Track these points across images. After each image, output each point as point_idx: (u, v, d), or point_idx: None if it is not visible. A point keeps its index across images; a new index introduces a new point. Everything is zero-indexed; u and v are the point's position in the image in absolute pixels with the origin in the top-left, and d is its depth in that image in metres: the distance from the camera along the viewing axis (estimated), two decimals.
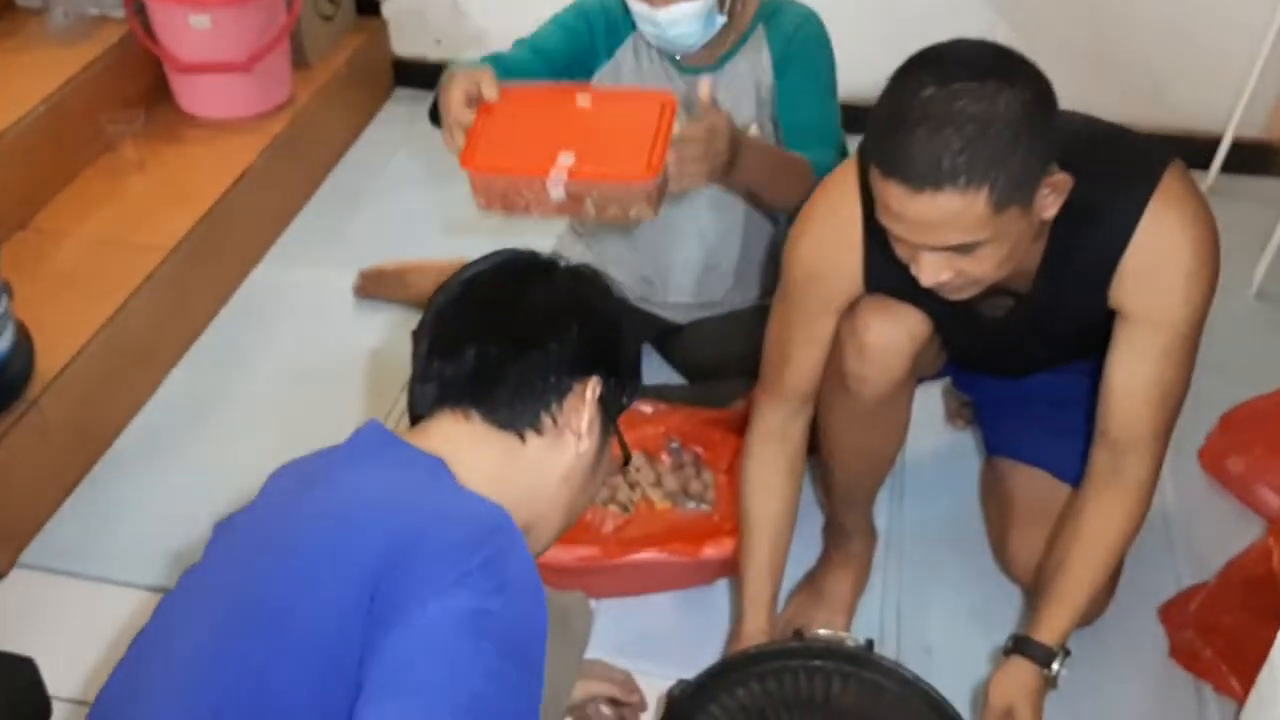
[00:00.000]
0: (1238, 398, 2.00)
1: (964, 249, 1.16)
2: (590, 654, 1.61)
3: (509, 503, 0.95)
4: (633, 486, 1.80)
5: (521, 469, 1.02)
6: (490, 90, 1.47)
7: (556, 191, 1.43)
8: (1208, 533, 1.82)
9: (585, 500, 1.11)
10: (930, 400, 2.04)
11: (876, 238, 1.26)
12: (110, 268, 2.10)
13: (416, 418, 1.07)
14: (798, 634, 1.41)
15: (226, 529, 1.03)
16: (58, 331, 1.93)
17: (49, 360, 1.88)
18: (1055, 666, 1.34)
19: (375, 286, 2.30)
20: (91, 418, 1.98)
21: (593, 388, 1.04)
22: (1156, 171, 1.26)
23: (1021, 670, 1.34)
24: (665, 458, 1.82)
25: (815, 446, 1.60)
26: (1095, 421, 1.38)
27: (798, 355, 1.46)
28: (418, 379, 1.06)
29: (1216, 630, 1.58)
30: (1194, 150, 2.67)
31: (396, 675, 0.83)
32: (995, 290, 1.30)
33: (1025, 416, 1.68)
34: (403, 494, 0.95)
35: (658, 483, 1.79)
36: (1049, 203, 1.19)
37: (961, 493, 1.89)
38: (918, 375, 1.55)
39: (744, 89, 1.77)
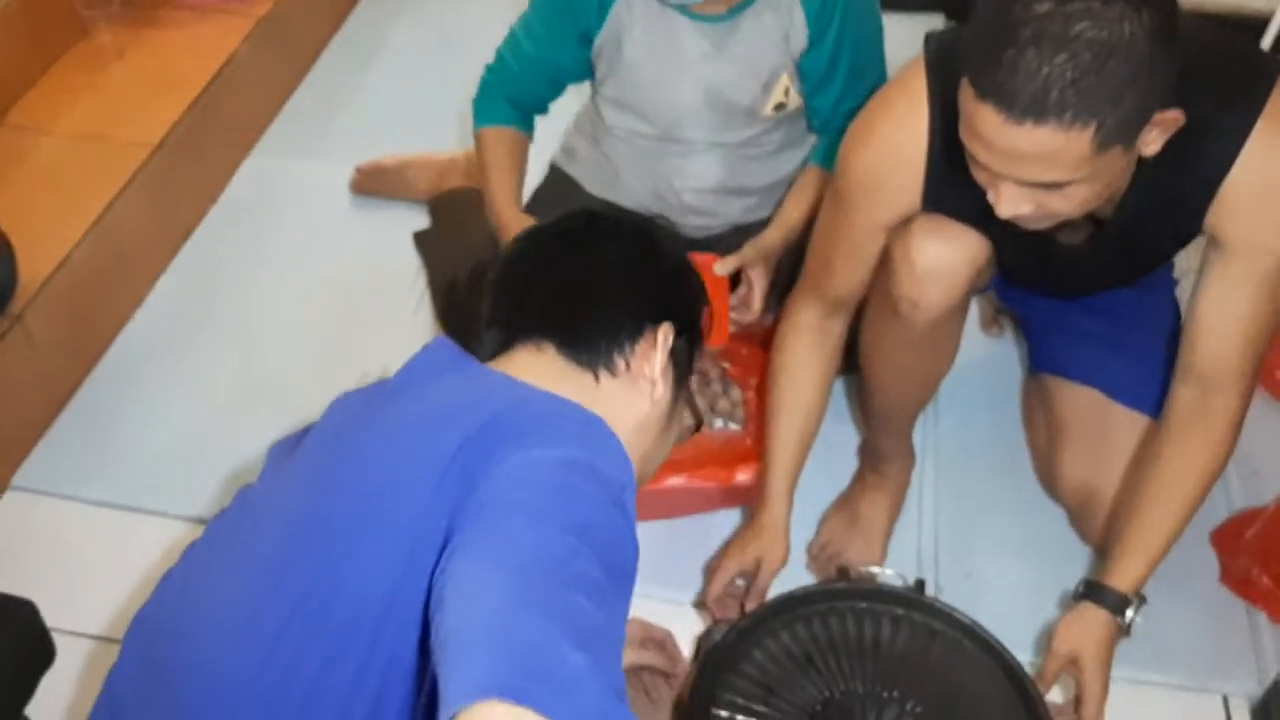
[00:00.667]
0: None
1: (1052, 186, 1.05)
2: None
3: None
4: None
5: (597, 410, 0.94)
6: None
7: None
8: (1262, 450, 1.74)
9: (658, 457, 1.06)
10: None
11: (943, 155, 1.14)
12: (93, 166, 1.96)
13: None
14: (843, 573, 1.33)
15: (286, 448, 0.98)
16: (40, 238, 1.79)
17: (31, 270, 1.75)
18: (1129, 614, 1.26)
19: (373, 183, 2.16)
20: (79, 330, 1.86)
21: (664, 334, 1.01)
22: (1264, 87, 1.13)
23: (1092, 617, 1.27)
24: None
25: (853, 364, 1.50)
26: (1179, 354, 1.28)
27: (842, 265, 1.36)
28: (485, 324, 1.03)
29: (1273, 556, 1.51)
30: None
31: (491, 513, 0.77)
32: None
33: (1075, 331, 1.57)
34: (487, 396, 0.89)
35: None
36: (1153, 139, 1.07)
37: (1001, 409, 1.80)
38: (973, 294, 1.45)
39: (769, 40, 1.61)
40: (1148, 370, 1.51)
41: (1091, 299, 1.55)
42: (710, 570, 1.44)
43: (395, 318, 1.91)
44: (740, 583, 1.41)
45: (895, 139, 1.24)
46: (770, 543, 1.39)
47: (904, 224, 1.30)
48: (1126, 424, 1.49)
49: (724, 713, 1.20)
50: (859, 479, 1.64)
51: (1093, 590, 1.28)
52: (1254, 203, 1.15)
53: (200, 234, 2.13)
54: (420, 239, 2.07)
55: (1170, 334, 1.58)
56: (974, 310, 1.94)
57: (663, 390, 1.01)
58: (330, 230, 2.14)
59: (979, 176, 1.10)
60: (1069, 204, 1.08)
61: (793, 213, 1.65)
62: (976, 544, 1.62)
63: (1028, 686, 1.22)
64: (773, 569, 1.39)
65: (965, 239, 1.29)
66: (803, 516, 1.61)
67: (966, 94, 1.03)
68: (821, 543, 1.60)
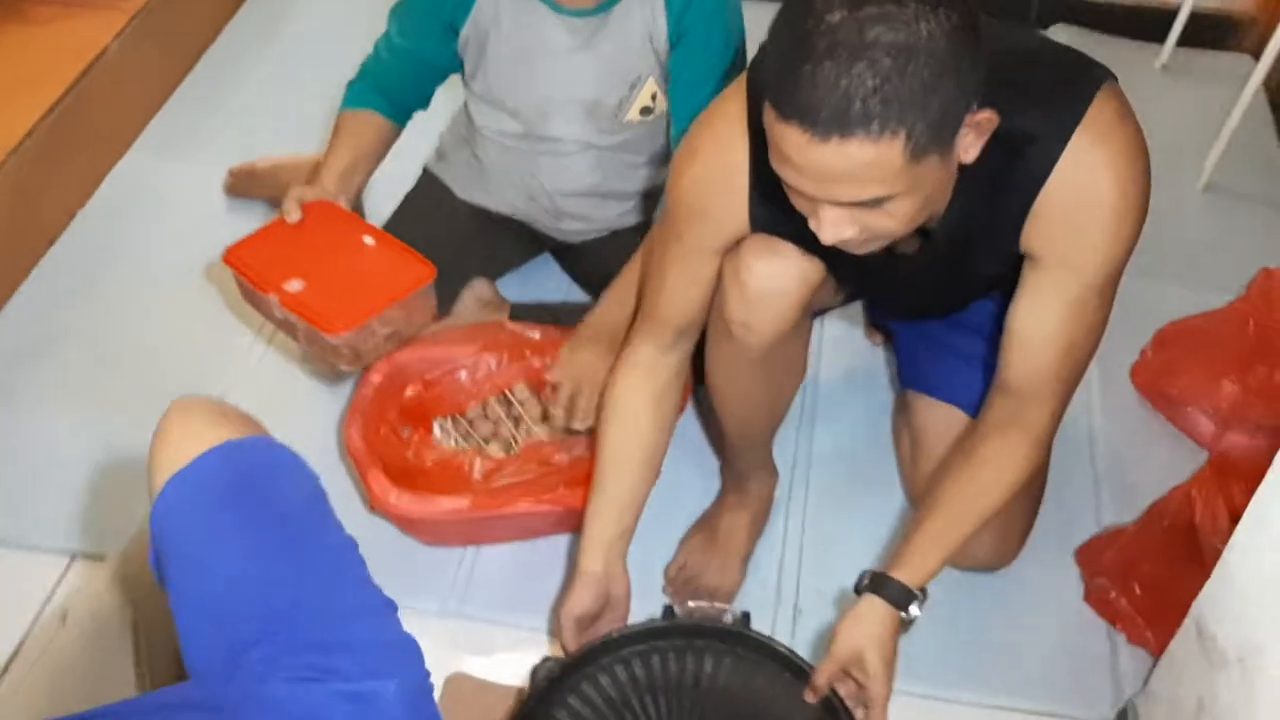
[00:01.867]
0: (1179, 302, 1.87)
1: (872, 204, 1.00)
2: (463, 608, 1.51)
3: None
4: (517, 423, 1.65)
5: None
6: (293, 214, 1.56)
7: (278, 310, 1.50)
8: (1136, 457, 1.71)
9: None
10: (848, 313, 1.89)
11: (765, 178, 1.08)
12: None
13: None
14: (668, 611, 1.28)
15: None
16: None
17: None
18: (913, 610, 1.19)
19: (247, 185, 2.09)
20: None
21: None
22: (1084, 97, 1.08)
23: (876, 612, 1.19)
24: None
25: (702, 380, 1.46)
26: (998, 365, 1.24)
27: (674, 290, 1.31)
28: None
29: (1133, 577, 1.48)
30: (1149, 23, 2.49)
31: None
32: None
33: (938, 346, 1.54)
34: None
35: (544, 418, 1.64)
36: (970, 144, 1.02)
37: (877, 420, 1.75)
38: (817, 311, 1.40)
39: (635, 41, 1.57)
40: None
41: (955, 315, 1.51)
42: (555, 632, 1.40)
43: (267, 324, 1.85)
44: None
45: (717, 161, 1.19)
46: (579, 591, 1.31)
47: (737, 245, 1.26)
48: None
49: None
50: (719, 499, 1.60)
51: (878, 583, 1.20)
52: (1064, 221, 1.11)
53: (66, 240, 2.05)
54: None
55: None
56: (856, 319, 1.90)
57: None
58: (204, 233, 2.05)
59: (798, 204, 1.06)
60: (893, 221, 1.03)
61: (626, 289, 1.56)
62: (841, 562, 1.57)
63: (839, 711, 1.18)
64: (582, 616, 1.30)
65: (797, 260, 1.24)
66: (669, 542, 1.58)
67: (769, 117, 0.98)
68: (679, 564, 1.55)
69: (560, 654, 1.29)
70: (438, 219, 1.82)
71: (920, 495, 1.53)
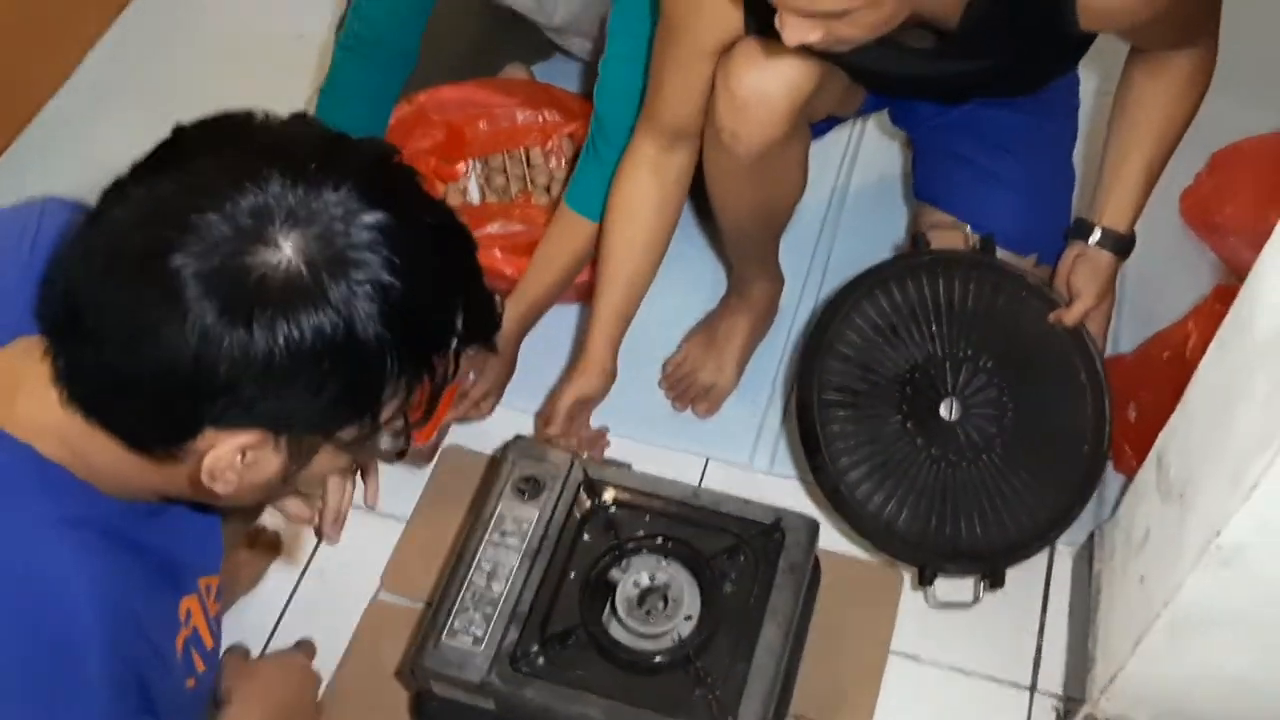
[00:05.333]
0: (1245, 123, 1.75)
1: (834, 15, 0.99)
2: None
3: None
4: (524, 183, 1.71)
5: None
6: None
7: None
8: (1166, 286, 1.65)
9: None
10: (885, 123, 1.83)
11: None
12: None
13: None
14: (915, 241, 1.43)
15: None
16: None
17: None
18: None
19: None
20: (1, 99, 1.89)
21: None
22: None
23: (1105, 259, 1.32)
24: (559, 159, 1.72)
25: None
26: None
27: (672, 91, 1.30)
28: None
29: (1127, 406, 1.46)
30: None
31: None
32: (912, 24, 1.10)
33: (954, 158, 1.49)
34: None
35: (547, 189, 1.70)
36: None
37: (901, 233, 1.73)
38: (829, 119, 1.39)
39: None
40: (1021, 205, 1.45)
41: (976, 126, 1.47)
42: (542, 419, 1.46)
43: None
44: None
45: None
46: (583, 383, 1.40)
47: (729, 50, 1.23)
48: None
49: (833, 395, 1.34)
50: (723, 300, 1.62)
51: (1086, 229, 1.33)
52: None
53: (135, 7, 2.11)
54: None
55: (1058, 168, 1.50)
56: (887, 129, 1.84)
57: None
58: (262, 7, 2.10)
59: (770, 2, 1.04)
60: (858, 30, 1.02)
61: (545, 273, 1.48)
62: None
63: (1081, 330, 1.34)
64: (582, 404, 1.42)
65: (786, 66, 1.21)
66: (675, 337, 1.62)
67: None
68: (677, 360, 1.60)
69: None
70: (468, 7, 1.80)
71: None
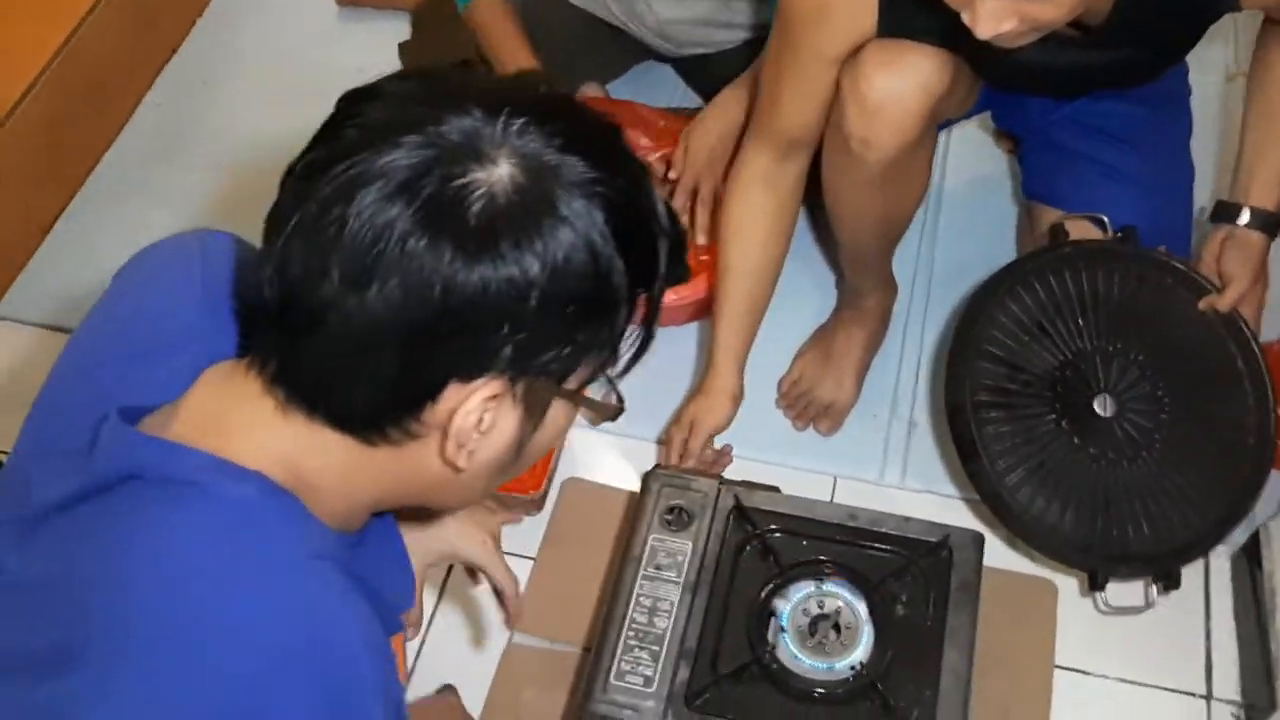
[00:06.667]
0: None
1: None
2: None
3: None
4: None
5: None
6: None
7: None
8: None
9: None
10: (975, 119, 1.79)
11: None
12: None
13: None
14: (1055, 231, 1.37)
15: None
16: (7, 59, 1.75)
17: (1, 92, 1.72)
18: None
19: None
20: (57, 156, 1.83)
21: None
22: None
23: (1255, 240, 1.24)
24: None
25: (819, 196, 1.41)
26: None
27: (790, 102, 1.26)
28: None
29: None
30: None
31: None
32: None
33: (1067, 154, 1.44)
34: None
35: None
36: None
37: (1003, 233, 1.69)
38: (943, 122, 1.33)
39: None
40: (1144, 197, 1.40)
41: (1093, 113, 1.42)
42: (666, 442, 1.42)
43: None
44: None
45: None
46: (711, 406, 1.36)
47: (855, 54, 1.19)
48: None
49: (985, 397, 1.30)
50: (835, 313, 1.57)
51: (1234, 211, 1.25)
52: None
53: (182, 53, 2.06)
54: (406, 50, 1.99)
55: (1177, 157, 1.46)
56: (988, 124, 1.80)
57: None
58: (316, 45, 2.05)
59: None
60: (1057, 9, 0.98)
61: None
62: None
63: (1235, 316, 1.27)
64: (709, 430, 1.37)
65: (920, 68, 1.17)
66: (784, 353, 1.57)
67: None
68: (793, 379, 1.54)
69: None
70: (549, 18, 1.76)
71: None
